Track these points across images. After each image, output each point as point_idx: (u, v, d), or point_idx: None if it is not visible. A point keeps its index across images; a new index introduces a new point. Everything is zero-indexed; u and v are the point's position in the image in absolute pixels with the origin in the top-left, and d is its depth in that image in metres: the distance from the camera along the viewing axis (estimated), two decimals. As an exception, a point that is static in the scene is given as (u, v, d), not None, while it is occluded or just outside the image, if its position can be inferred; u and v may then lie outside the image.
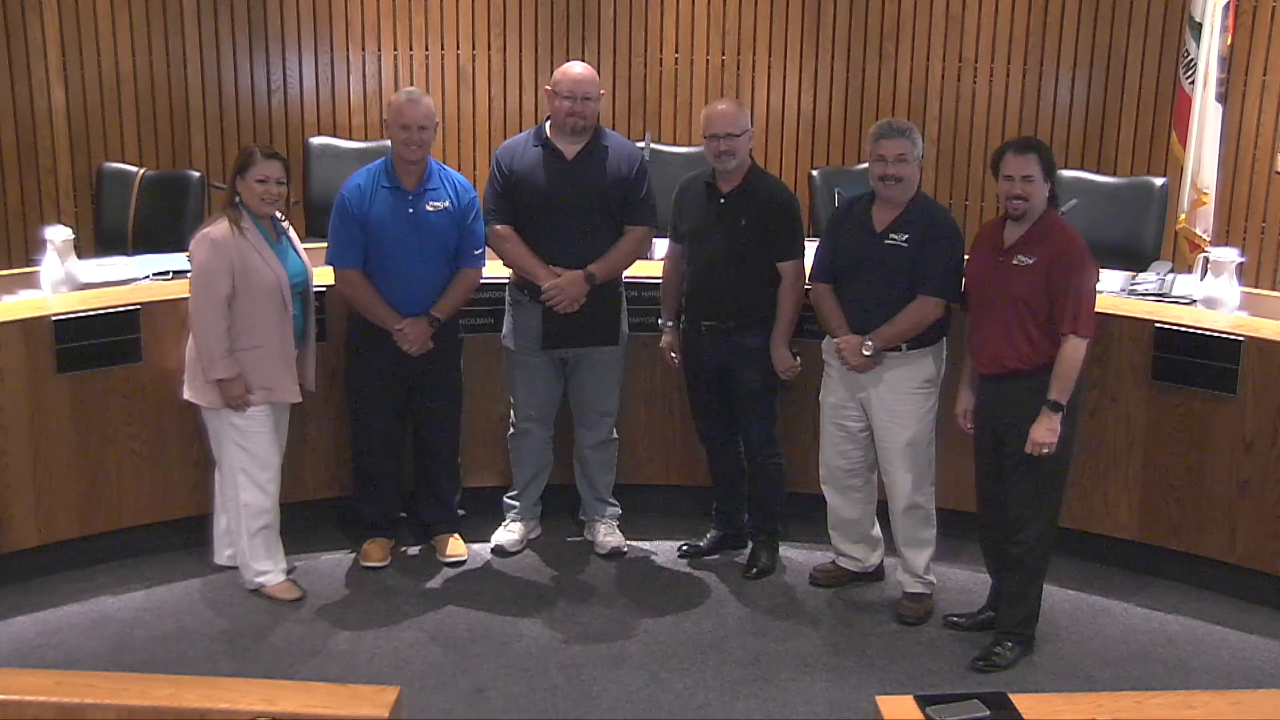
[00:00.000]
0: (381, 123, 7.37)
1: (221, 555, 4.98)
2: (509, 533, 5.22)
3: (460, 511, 5.24)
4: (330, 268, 4.89)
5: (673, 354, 5.03)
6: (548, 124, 4.93)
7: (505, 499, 5.29)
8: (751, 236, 4.77)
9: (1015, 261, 4.29)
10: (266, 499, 4.75)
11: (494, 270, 5.09)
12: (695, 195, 4.89)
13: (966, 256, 4.59)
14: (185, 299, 4.71)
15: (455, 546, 5.14)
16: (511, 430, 5.21)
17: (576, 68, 4.91)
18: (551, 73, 5.01)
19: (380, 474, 5.10)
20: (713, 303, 4.85)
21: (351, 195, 4.81)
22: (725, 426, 5.05)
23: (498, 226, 4.91)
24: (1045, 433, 4.26)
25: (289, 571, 4.90)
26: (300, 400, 4.81)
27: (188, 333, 4.69)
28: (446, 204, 4.84)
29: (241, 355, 4.59)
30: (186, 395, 4.72)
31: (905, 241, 4.52)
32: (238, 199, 4.62)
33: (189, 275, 4.71)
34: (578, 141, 4.89)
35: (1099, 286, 5.21)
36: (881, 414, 4.65)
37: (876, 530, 4.94)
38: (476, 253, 4.93)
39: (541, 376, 5.06)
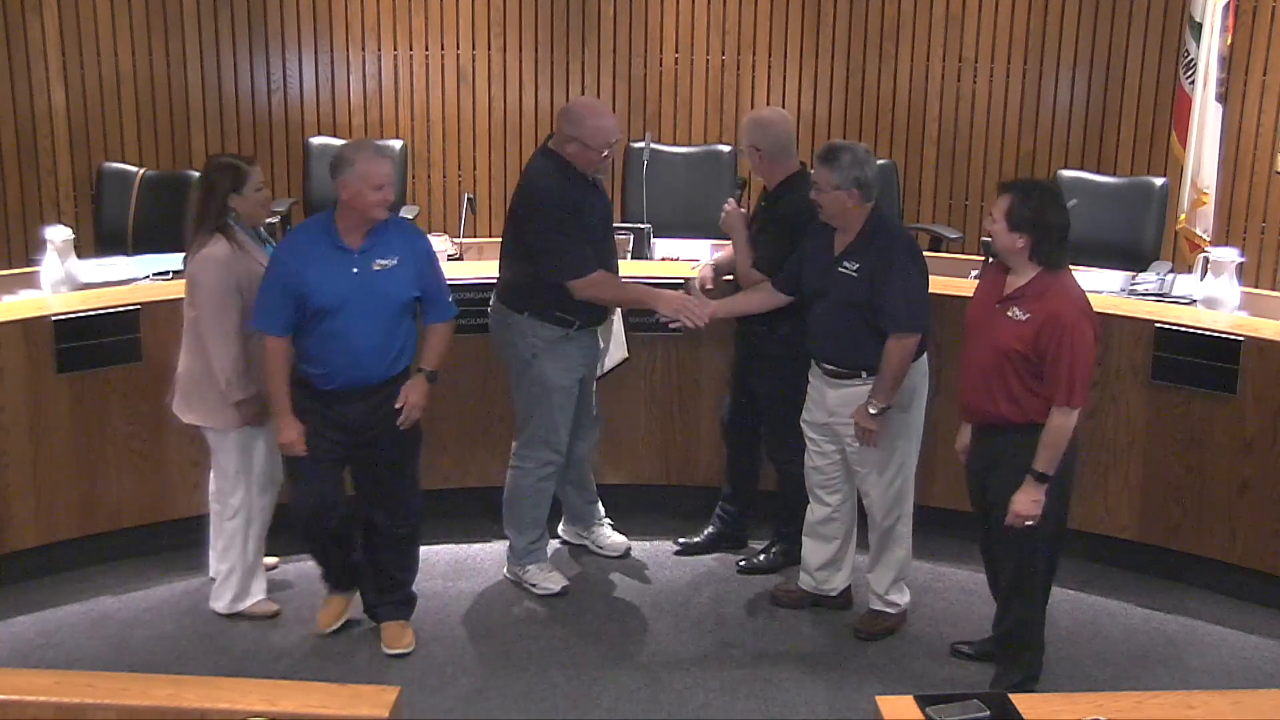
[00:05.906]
0: (380, 123, 7.42)
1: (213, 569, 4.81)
2: (553, 579, 4.93)
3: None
4: None
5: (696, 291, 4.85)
6: (562, 151, 4.64)
7: (528, 546, 4.92)
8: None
9: (1009, 314, 4.03)
10: (262, 511, 4.66)
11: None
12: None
13: (971, 289, 4.39)
14: (184, 299, 4.62)
15: (403, 637, 4.55)
16: (544, 473, 4.85)
17: (604, 114, 4.68)
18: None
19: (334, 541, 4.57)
20: None
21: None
22: (746, 423, 5.02)
23: (595, 274, 4.63)
24: (1029, 505, 4.01)
25: (270, 569, 4.89)
26: None
27: (186, 355, 4.53)
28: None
29: (254, 369, 4.47)
30: (189, 420, 4.59)
31: (855, 271, 4.40)
32: (233, 216, 4.46)
33: (194, 298, 4.46)
34: None
35: (1099, 287, 5.23)
36: (851, 439, 4.52)
37: (847, 553, 4.75)
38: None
39: (577, 404, 4.90)
